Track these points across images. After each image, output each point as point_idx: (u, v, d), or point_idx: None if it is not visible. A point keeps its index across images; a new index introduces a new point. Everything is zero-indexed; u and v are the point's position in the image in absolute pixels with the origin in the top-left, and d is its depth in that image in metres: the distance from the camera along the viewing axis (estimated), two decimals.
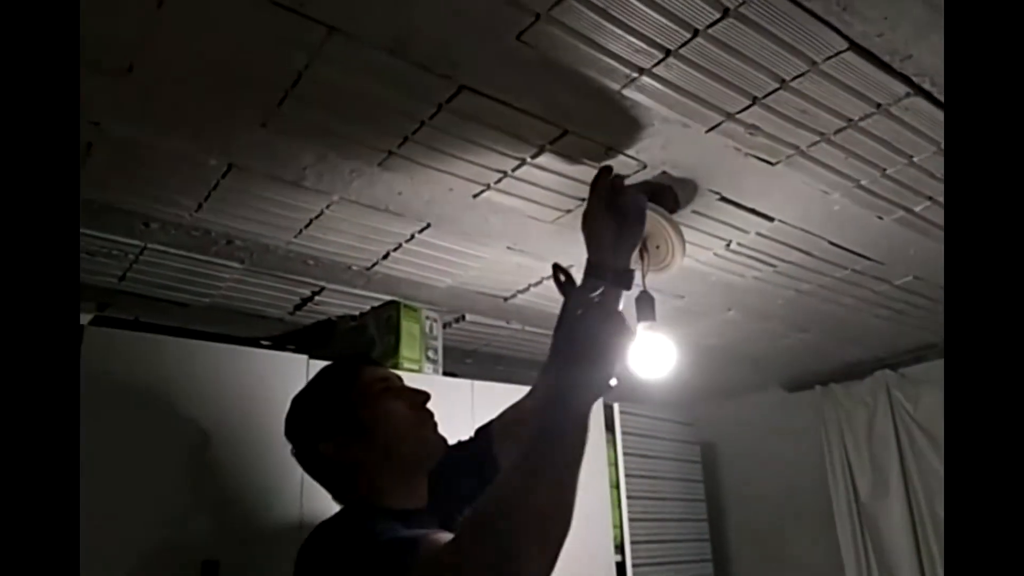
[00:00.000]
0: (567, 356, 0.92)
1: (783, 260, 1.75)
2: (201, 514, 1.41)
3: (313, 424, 1.17)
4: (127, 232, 1.45)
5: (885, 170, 1.36)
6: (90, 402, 1.33)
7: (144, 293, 1.74)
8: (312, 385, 1.24)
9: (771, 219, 1.55)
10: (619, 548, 2.15)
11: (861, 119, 1.20)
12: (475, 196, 1.39)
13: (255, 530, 1.44)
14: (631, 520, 2.22)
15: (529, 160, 1.28)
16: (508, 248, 1.63)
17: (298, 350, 1.66)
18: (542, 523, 0.82)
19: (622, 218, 1.18)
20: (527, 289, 1.88)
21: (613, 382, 0.94)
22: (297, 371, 1.57)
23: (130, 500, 1.34)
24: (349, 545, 0.98)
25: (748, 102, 1.15)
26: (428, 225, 1.51)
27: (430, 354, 1.87)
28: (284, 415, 1.27)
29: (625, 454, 2.29)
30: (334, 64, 1.01)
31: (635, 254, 1.37)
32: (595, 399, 0.91)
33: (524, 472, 0.85)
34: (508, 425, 1.31)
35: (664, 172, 1.34)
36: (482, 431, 1.34)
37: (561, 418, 0.88)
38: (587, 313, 0.95)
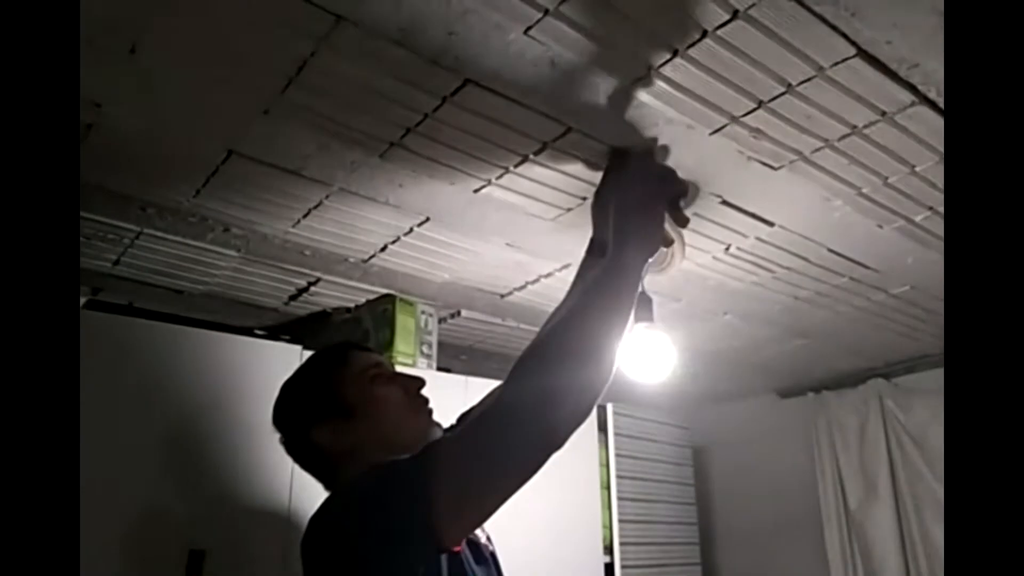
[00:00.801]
0: (621, 213, 1.04)
1: (782, 266, 1.75)
2: (189, 503, 1.40)
3: (304, 410, 1.14)
4: (123, 216, 1.44)
5: (887, 179, 1.36)
6: (81, 386, 1.32)
7: (139, 279, 1.73)
8: (302, 371, 1.21)
9: (771, 224, 1.54)
10: (608, 549, 2.14)
11: (865, 126, 1.20)
12: (476, 191, 1.39)
13: (243, 519, 1.43)
14: (621, 521, 2.22)
15: (532, 157, 1.27)
16: (507, 245, 1.63)
17: (292, 341, 1.65)
18: (588, 361, 0.91)
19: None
20: (524, 287, 1.88)
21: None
22: (290, 361, 1.56)
23: (118, 487, 1.33)
24: (359, 484, 0.97)
25: (754, 105, 1.14)
26: (427, 219, 1.50)
27: (424, 349, 1.87)
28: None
29: (617, 455, 2.29)
30: (339, 53, 1.00)
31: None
32: (648, 255, 1.02)
33: (574, 320, 0.94)
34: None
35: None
36: (464, 417, 1.34)
37: (617, 268, 0.98)
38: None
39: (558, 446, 0.88)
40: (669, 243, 1.11)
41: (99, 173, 1.29)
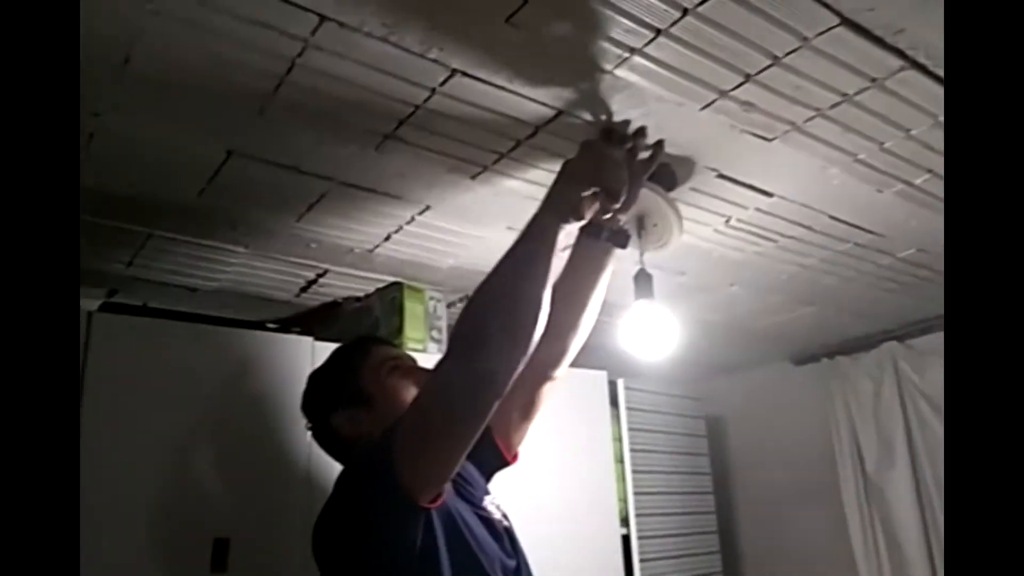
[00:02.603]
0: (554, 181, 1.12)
1: (784, 235, 1.75)
2: (212, 493, 1.44)
3: (325, 398, 1.23)
4: (132, 218, 1.47)
5: (883, 144, 1.36)
6: (101, 386, 1.36)
7: (152, 279, 1.77)
8: (326, 362, 1.29)
9: (770, 195, 1.55)
10: (624, 521, 2.18)
11: (856, 93, 1.20)
12: (473, 177, 1.41)
13: (265, 507, 1.48)
14: (636, 494, 2.25)
15: (525, 141, 1.29)
16: (508, 228, 1.64)
17: (304, 332, 1.68)
18: (511, 308, 0.99)
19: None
20: None
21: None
22: (303, 352, 1.60)
23: (142, 481, 1.38)
24: (349, 467, 1.11)
25: (741, 79, 1.15)
26: (428, 207, 1.52)
27: (434, 334, 1.90)
28: (290, 395, 1.31)
29: (630, 429, 2.32)
30: (325, 52, 1.02)
31: (634, 232, 1.39)
32: (561, 220, 1.07)
33: (494, 274, 1.04)
34: None
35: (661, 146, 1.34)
36: None
37: (528, 238, 1.06)
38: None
39: (496, 390, 0.96)
40: (605, 214, 1.17)
41: (104, 179, 1.32)
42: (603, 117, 1.22)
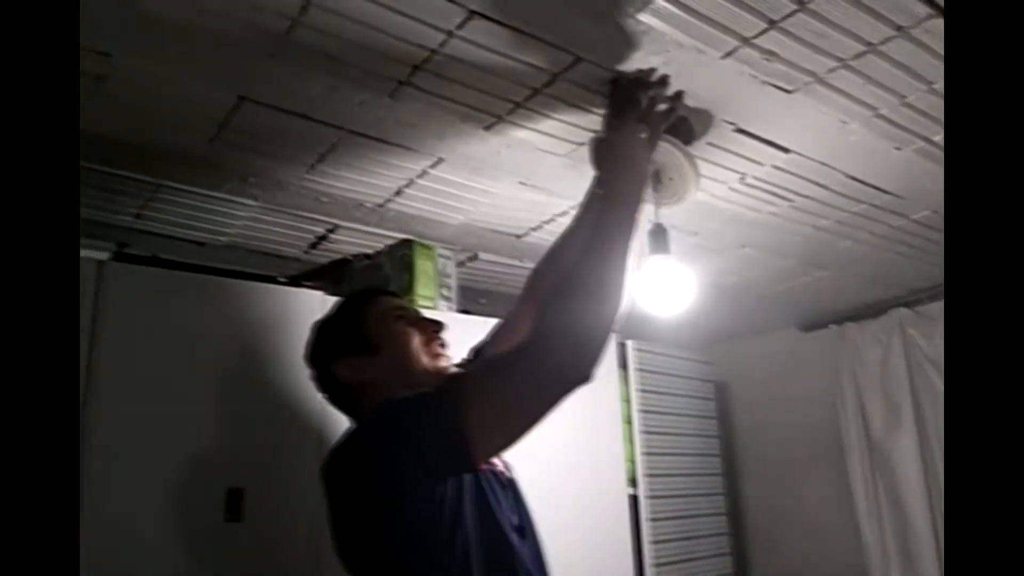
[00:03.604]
0: (616, 170, 1.17)
1: (799, 194, 1.73)
2: (225, 444, 1.45)
3: (329, 346, 1.22)
4: (140, 168, 1.46)
5: (905, 97, 1.33)
6: (113, 337, 1.36)
7: (161, 232, 1.76)
8: (331, 311, 1.28)
9: (787, 151, 1.52)
10: (632, 481, 2.19)
11: (881, 43, 1.17)
12: (487, 128, 1.38)
13: (277, 458, 1.48)
14: (644, 454, 2.26)
15: (542, 89, 1.26)
16: (520, 184, 1.63)
17: (315, 287, 1.68)
18: (607, 294, 1.01)
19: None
20: (540, 227, 1.88)
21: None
22: (315, 306, 1.59)
23: (155, 432, 1.38)
24: (389, 409, 1.05)
25: (765, 25, 1.12)
26: (440, 160, 1.50)
27: (444, 292, 1.89)
28: (301, 349, 1.30)
29: (639, 391, 2.32)
30: None
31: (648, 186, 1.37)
32: (642, 180, 1.13)
33: (592, 258, 1.05)
34: (500, 340, 1.37)
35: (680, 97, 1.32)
36: (478, 351, 1.39)
37: (618, 212, 1.08)
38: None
39: (586, 375, 0.97)
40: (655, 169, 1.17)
41: (114, 125, 1.31)
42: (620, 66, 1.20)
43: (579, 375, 0.96)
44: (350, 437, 1.07)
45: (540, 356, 0.99)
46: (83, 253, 1.49)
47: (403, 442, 0.97)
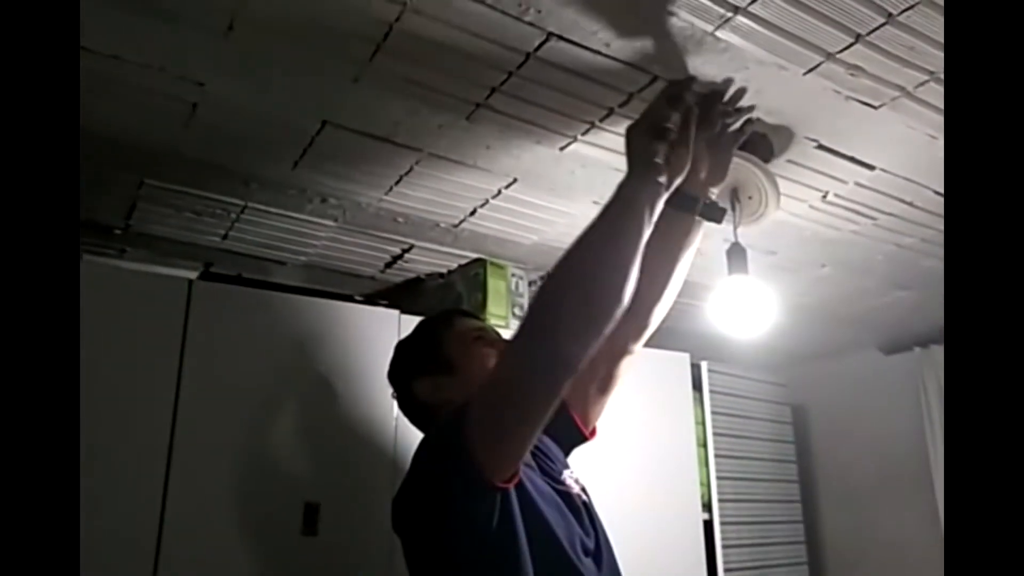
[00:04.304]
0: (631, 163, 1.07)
1: (883, 212, 1.67)
2: (302, 459, 1.48)
3: (408, 365, 1.25)
4: (229, 191, 1.52)
5: None
6: (198, 352, 1.42)
7: (245, 252, 1.82)
8: (413, 331, 1.31)
9: (872, 168, 1.48)
10: (707, 506, 2.14)
11: None
12: (562, 149, 1.39)
13: (352, 474, 1.51)
14: (719, 479, 2.20)
15: (617, 109, 1.26)
16: (594, 203, 1.62)
17: (390, 306, 1.71)
18: (589, 288, 0.94)
19: (714, 150, 1.22)
20: None
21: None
22: (389, 325, 1.63)
23: (236, 445, 1.42)
24: (425, 441, 1.09)
25: (851, 40, 1.09)
26: (515, 180, 1.52)
27: (516, 311, 1.89)
28: (378, 366, 1.32)
29: (713, 413, 2.27)
30: (423, 15, 1.02)
31: (728, 205, 1.35)
32: (646, 183, 1.02)
33: (575, 249, 0.98)
34: None
35: (758, 119, 1.29)
36: None
37: (614, 206, 1.01)
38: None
39: (568, 371, 0.93)
40: (678, 170, 1.08)
41: (206, 150, 1.37)
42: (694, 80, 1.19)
43: (557, 366, 0.92)
44: (410, 467, 1.09)
45: (516, 347, 0.99)
46: (173, 272, 1.57)
47: (435, 471, 1.00)
